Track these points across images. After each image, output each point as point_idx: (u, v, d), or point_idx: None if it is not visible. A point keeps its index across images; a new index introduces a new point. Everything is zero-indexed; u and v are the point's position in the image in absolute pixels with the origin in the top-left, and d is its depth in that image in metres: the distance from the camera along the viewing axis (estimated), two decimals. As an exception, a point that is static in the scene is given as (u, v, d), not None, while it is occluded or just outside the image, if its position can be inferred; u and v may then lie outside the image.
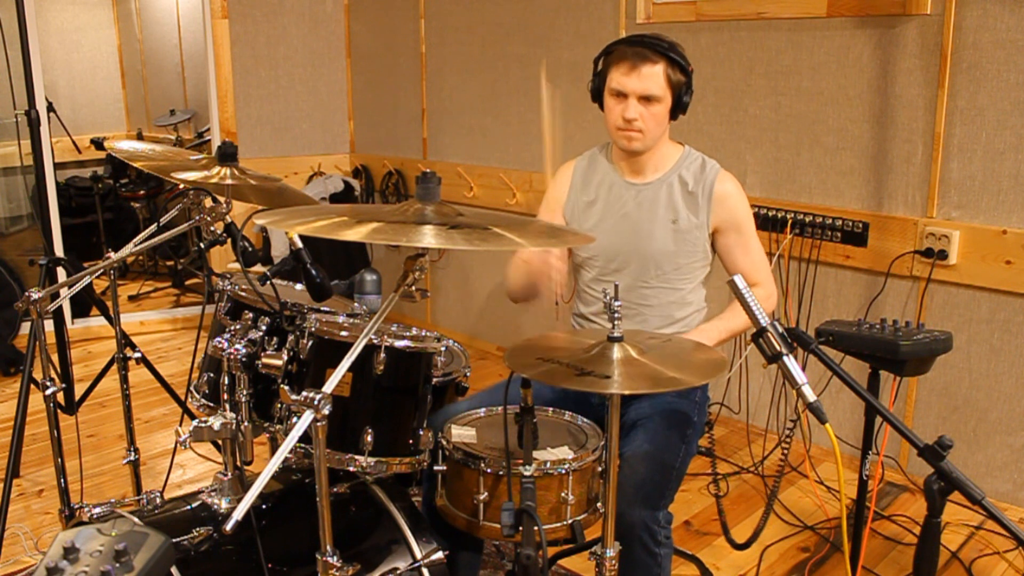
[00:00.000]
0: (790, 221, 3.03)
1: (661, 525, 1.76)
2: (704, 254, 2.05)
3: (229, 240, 1.97)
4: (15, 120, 3.07)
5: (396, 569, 1.67)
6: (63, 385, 2.28)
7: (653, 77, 1.93)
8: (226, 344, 1.64)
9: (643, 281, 2.06)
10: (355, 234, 1.30)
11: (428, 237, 1.30)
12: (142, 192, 5.50)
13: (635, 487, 1.73)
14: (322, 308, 1.87)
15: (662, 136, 2.04)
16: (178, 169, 2.01)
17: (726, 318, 2.04)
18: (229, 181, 1.97)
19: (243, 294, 1.83)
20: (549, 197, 2.21)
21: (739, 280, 1.46)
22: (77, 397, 2.93)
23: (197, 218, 1.97)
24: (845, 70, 2.87)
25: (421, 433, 1.69)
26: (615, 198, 2.11)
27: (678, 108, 2.00)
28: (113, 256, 2.02)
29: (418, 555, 1.69)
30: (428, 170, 1.46)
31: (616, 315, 1.48)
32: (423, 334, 1.71)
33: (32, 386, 2.51)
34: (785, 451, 2.05)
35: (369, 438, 1.62)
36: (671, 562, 1.82)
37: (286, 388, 1.39)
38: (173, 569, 1.48)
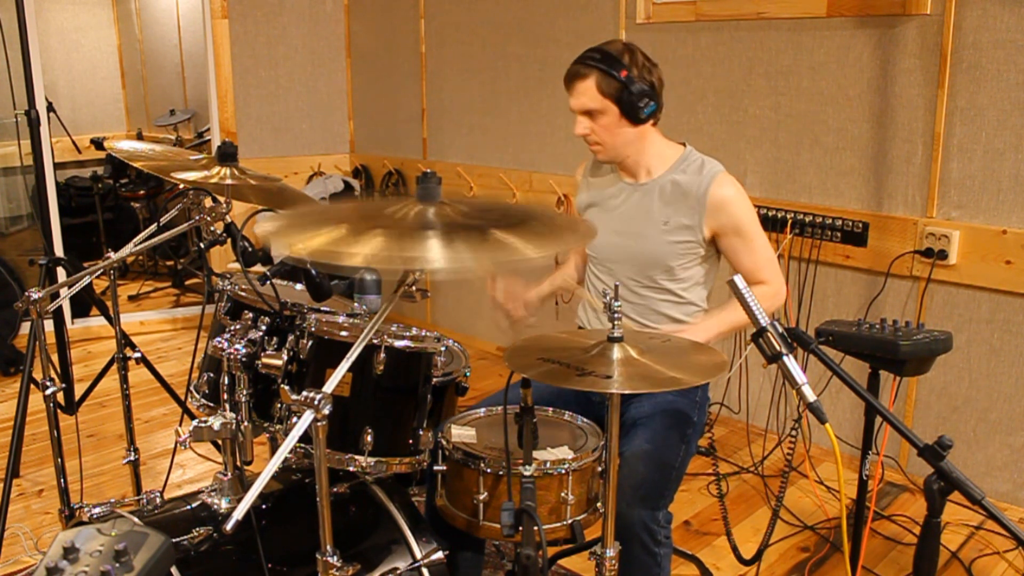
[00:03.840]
0: (790, 221, 3.03)
1: (661, 525, 1.76)
2: (698, 256, 2.04)
3: (229, 240, 1.97)
4: (15, 120, 3.07)
5: (396, 569, 1.67)
6: (63, 385, 2.28)
7: (585, 92, 1.96)
8: (226, 344, 1.64)
9: (636, 280, 2.07)
10: (356, 257, 1.25)
11: (434, 253, 1.26)
12: (142, 192, 5.50)
13: (634, 487, 1.73)
14: (322, 308, 1.86)
15: (634, 142, 2.02)
16: (178, 169, 2.01)
17: (723, 314, 2.03)
18: (229, 181, 1.97)
19: (243, 294, 1.83)
20: (576, 202, 2.29)
21: (739, 280, 1.46)
22: (77, 397, 2.93)
23: (197, 218, 1.97)
24: (845, 70, 2.87)
25: (421, 433, 1.69)
26: (611, 198, 2.13)
27: (632, 112, 1.96)
28: (113, 256, 2.02)
29: (418, 555, 1.69)
30: (428, 170, 1.45)
31: (616, 316, 1.48)
32: (423, 334, 1.71)
33: (32, 386, 2.51)
34: (790, 454, 2.04)
35: (369, 438, 1.62)
36: (671, 562, 1.82)
37: (286, 388, 1.39)
38: (173, 569, 1.48)
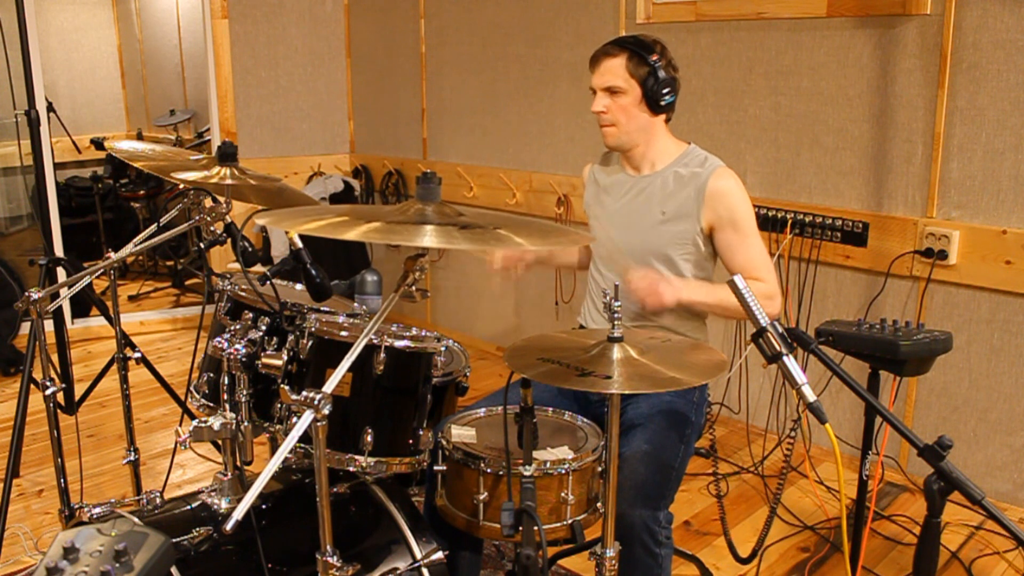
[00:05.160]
0: (790, 221, 3.03)
1: (662, 525, 1.76)
2: (696, 249, 2.05)
3: (229, 240, 1.97)
4: (15, 120, 3.07)
5: (396, 569, 1.67)
6: (63, 385, 2.28)
7: (613, 69, 2.02)
8: (226, 344, 1.64)
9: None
10: (355, 233, 1.30)
11: (428, 236, 1.30)
12: (142, 192, 5.50)
13: (635, 488, 1.73)
14: (322, 308, 1.87)
15: (646, 131, 2.07)
16: (178, 169, 2.01)
17: (717, 288, 2.00)
18: (229, 181, 1.97)
19: (243, 294, 1.83)
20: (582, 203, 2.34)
21: (739, 280, 1.46)
22: (77, 397, 2.93)
23: (197, 218, 1.97)
24: (845, 70, 2.87)
25: (421, 433, 1.69)
26: (617, 192, 2.16)
27: (652, 100, 2.02)
28: (113, 256, 2.02)
29: (418, 555, 1.69)
30: (428, 170, 1.46)
31: (616, 315, 1.48)
32: (423, 334, 1.71)
33: (32, 386, 2.51)
34: (788, 453, 2.04)
35: (369, 438, 1.62)
36: (671, 562, 1.82)
37: (286, 388, 1.39)
38: (173, 569, 1.48)
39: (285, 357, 1.64)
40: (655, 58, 2.00)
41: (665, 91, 2.01)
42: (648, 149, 2.09)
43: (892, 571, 2.45)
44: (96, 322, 4.39)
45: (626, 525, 1.68)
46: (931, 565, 1.37)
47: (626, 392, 1.43)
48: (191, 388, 1.90)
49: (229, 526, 1.19)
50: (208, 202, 1.98)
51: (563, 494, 1.59)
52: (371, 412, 1.64)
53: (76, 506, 1.70)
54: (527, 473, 1.55)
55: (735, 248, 2.02)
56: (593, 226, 2.22)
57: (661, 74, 2.00)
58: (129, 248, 2.05)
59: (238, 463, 1.69)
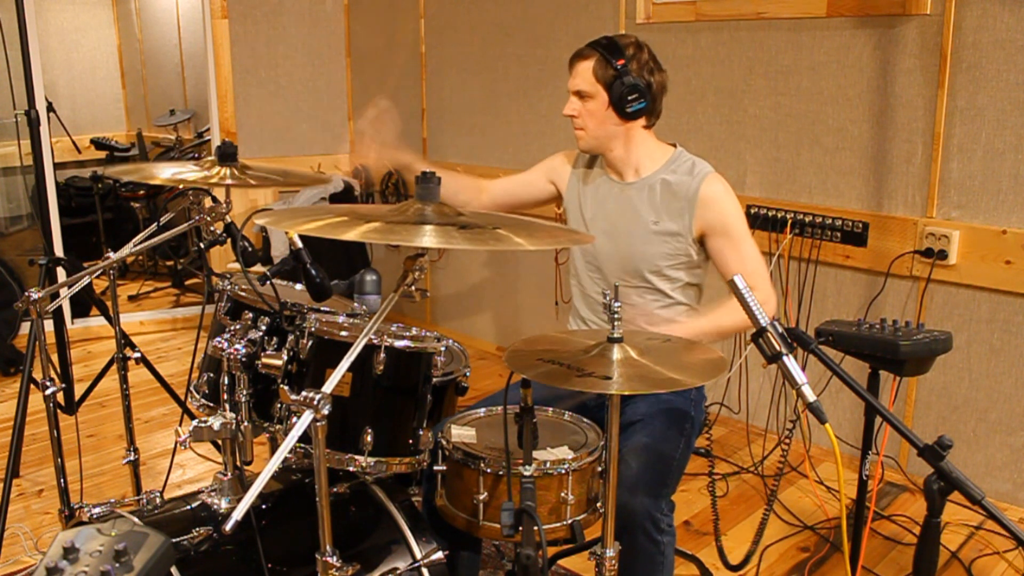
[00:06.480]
0: (790, 221, 3.03)
1: (664, 513, 1.75)
2: (688, 257, 2.03)
3: (229, 240, 1.97)
4: (15, 120, 3.07)
5: (396, 569, 1.67)
6: (63, 385, 2.28)
7: (581, 73, 1.99)
8: (226, 344, 1.64)
9: (624, 280, 2.05)
10: (355, 233, 1.30)
11: (427, 236, 1.30)
12: (142, 192, 5.50)
13: (635, 477, 1.73)
14: (322, 308, 1.86)
15: (619, 137, 2.02)
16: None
17: (713, 315, 2.00)
18: (229, 181, 1.97)
19: (243, 294, 1.83)
20: (546, 164, 2.24)
21: (739, 280, 1.46)
22: (77, 397, 2.94)
23: (197, 218, 1.97)
24: (845, 70, 2.87)
25: (421, 433, 1.69)
26: (601, 197, 2.12)
27: (619, 103, 1.96)
28: (113, 256, 2.02)
29: (418, 555, 1.69)
30: (428, 170, 1.46)
31: (616, 316, 1.48)
32: (423, 334, 1.71)
33: (32, 386, 2.51)
34: (784, 452, 2.05)
35: (369, 438, 1.62)
36: (674, 552, 1.82)
37: (286, 388, 1.39)
38: (173, 569, 1.48)
39: (285, 357, 1.64)
40: (622, 62, 1.93)
41: (631, 97, 1.94)
42: (628, 155, 2.05)
43: (892, 571, 2.45)
44: (96, 322, 4.39)
45: (627, 514, 1.68)
46: (931, 565, 1.37)
47: (626, 393, 1.43)
48: (191, 388, 1.90)
49: (229, 526, 1.19)
50: (208, 202, 1.98)
51: (563, 494, 1.59)
52: (371, 412, 1.64)
53: (76, 506, 1.70)
54: (527, 473, 1.55)
55: (728, 254, 1.99)
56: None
57: (629, 79, 1.93)
58: (129, 248, 2.05)
59: (238, 463, 1.69)
